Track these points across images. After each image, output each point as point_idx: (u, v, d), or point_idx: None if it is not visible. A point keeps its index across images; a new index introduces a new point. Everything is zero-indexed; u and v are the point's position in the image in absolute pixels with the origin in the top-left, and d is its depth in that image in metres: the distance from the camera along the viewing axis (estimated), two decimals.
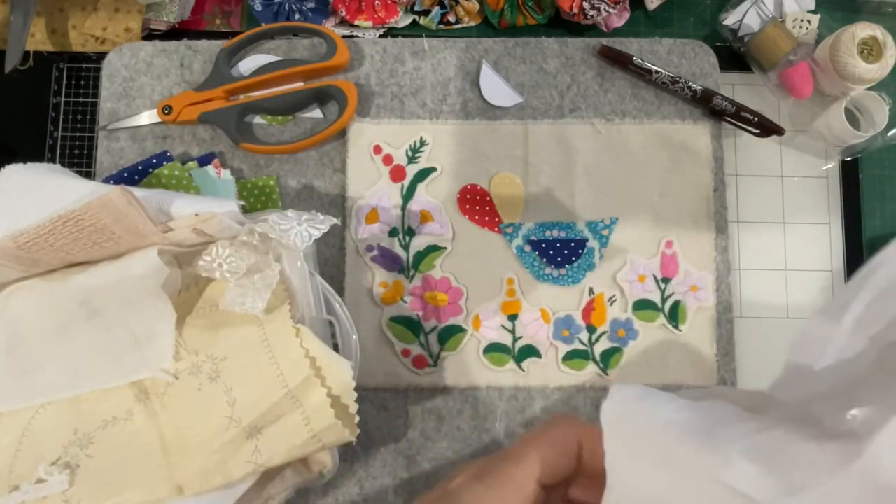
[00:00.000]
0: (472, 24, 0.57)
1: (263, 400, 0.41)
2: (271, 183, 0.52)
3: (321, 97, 0.53)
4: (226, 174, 0.51)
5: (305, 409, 0.41)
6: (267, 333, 0.42)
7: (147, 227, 0.40)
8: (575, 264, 0.52)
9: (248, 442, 0.41)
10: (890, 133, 0.54)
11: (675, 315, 0.52)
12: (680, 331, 0.52)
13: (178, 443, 0.41)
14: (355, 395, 0.42)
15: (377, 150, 0.53)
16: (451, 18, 0.56)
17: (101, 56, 0.54)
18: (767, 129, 0.53)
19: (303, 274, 0.43)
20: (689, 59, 0.55)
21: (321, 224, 0.42)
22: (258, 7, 0.55)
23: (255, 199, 0.52)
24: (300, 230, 0.41)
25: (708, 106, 0.53)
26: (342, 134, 0.53)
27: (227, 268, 0.40)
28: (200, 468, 0.41)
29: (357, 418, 0.42)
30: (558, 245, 0.52)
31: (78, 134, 0.54)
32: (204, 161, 0.52)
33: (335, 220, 0.44)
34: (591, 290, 0.52)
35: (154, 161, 0.51)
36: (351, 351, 0.45)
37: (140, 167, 0.51)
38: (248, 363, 0.42)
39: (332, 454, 0.44)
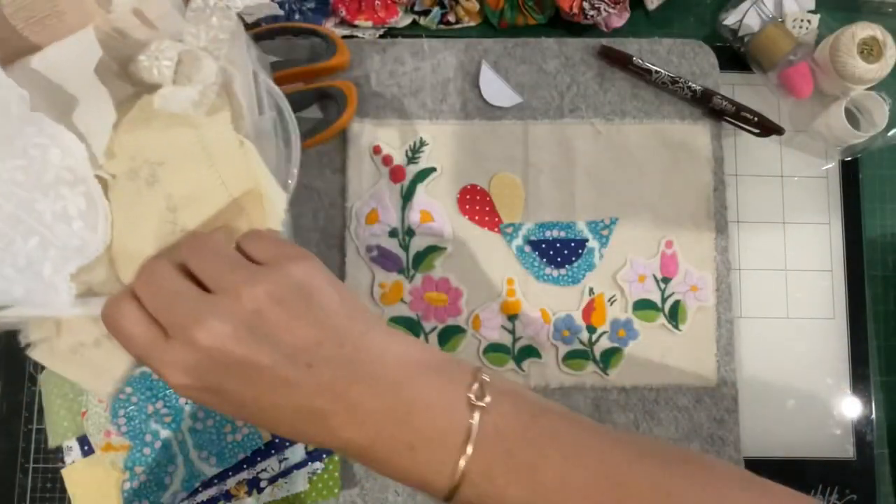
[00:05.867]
0: (472, 24, 0.57)
1: (207, 206, 0.39)
2: None
3: (321, 97, 0.53)
4: None
5: (251, 220, 0.40)
6: (205, 138, 0.40)
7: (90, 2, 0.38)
8: (575, 264, 0.52)
9: None
10: (890, 133, 0.54)
11: (675, 315, 0.52)
12: (680, 331, 0.52)
13: (118, 249, 0.39)
14: (282, 229, 0.40)
15: (377, 150, 0.53)
16: (451, 18, 0.56)
17: None
18: (767, 128, 0.53)
19: (244, 65, 0.42)
20: (689, 59, 0.55)
21: None
22: None
23: None
24: None
25: (708, 106, 0.53)
26: (342, 134, 0.53)
27: (164, 61, 0.38)
28: None
29: None
30: (558, 245, 0.52)
31: None
32: None
33: None
34: (591, 290, 0.52)
35: None
36: (292, 150, 0.44)
37: None
38: (187, 168, 0.40)
39: None
